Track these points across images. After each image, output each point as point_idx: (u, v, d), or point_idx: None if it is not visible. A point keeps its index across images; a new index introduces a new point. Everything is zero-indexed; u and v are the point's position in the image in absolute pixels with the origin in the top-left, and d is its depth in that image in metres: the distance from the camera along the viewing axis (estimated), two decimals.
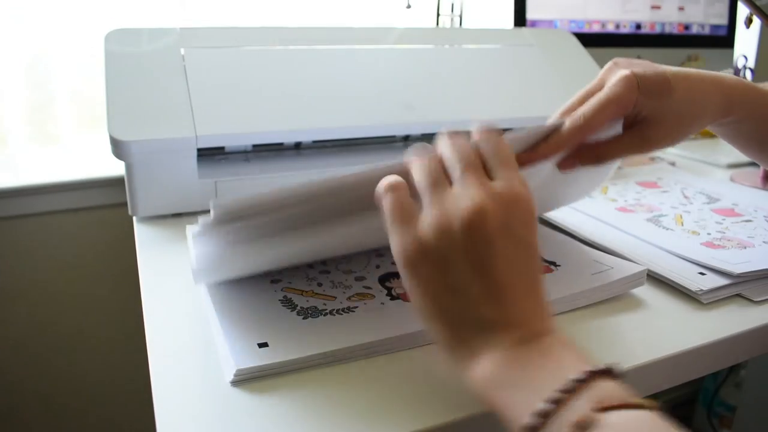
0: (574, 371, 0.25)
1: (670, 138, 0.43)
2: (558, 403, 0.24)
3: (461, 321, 0.29)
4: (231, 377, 0.33)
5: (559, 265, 0.46)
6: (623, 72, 0.41)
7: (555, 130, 0.40)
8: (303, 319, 0.38)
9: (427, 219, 0.30)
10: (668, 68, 0.43)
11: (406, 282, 0.30)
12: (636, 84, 0.41)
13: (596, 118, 0.40)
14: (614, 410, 0.24)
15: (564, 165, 0.42)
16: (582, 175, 0.45)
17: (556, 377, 0.26)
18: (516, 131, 0.38)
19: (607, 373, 0.26)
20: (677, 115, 0.42)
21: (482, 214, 0.28)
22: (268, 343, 0.35)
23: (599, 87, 0.42)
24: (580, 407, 0.24)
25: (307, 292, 0.41)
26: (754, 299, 0.44)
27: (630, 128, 0.42)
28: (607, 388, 0.25)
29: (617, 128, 0.43)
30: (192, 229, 0.34)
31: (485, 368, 0.27)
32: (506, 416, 0.26)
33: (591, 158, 0.42)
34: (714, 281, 0.44)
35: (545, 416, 0.24)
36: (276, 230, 0.34)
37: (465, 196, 0.29)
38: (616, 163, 0.46)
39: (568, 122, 0.40)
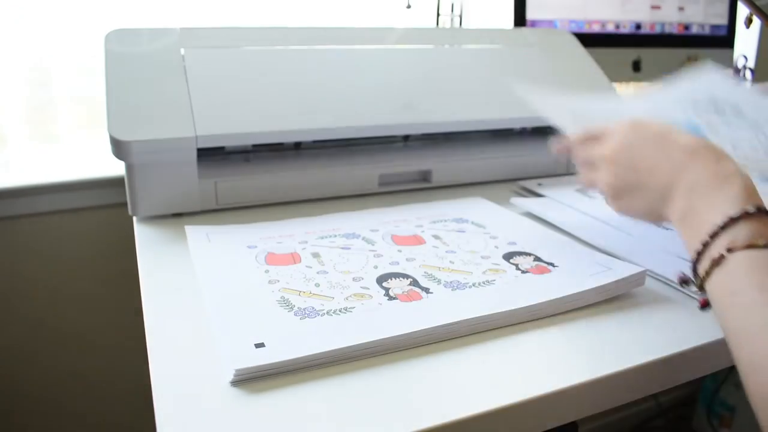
0: (734, 208, 0.34)
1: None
2: (714, 236, 0.34)
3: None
4: (229, 378, 0.33)
5: (557, 266, 0.46)
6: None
7: None
8: (300, 319, 0.38)
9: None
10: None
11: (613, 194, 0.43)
12: None
13: None
14: (743, 250, 0.32)
15: (559, 148, 0.52)
16: None
17: (721, 210, 0.34)
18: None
19: (754, 214, 0.33)
20: None
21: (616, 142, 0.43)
22: (265, 344, 0.35)
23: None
24: (720, 245, 0.33)
25: (304, 292, 0.41)
26: None
27: None
28: (745, 229, 0.33)
29: None
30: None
31: (677, 207, 0.38)
32: (688, 242, 0.36)
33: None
34: None
35: (705, 246, 0.34)
36: None
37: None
38: None
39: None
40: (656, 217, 0.41)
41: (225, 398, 0.32)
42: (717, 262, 0.33)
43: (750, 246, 0.32)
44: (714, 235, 0.34)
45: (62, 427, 0.95)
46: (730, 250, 0.32)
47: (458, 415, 0.31)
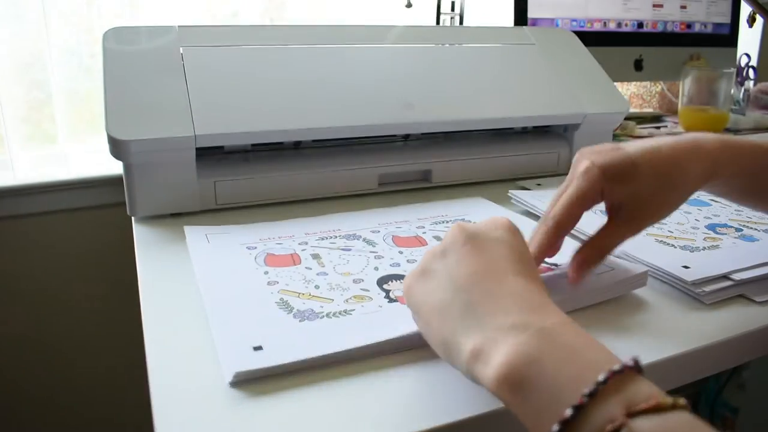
0: (596, 368, 0.24)
1: (658, 213, 0.42)
2: (585, 407, 0.23)
3: (451, 313, 0.30)
4: (228, 379, 0.32)
5: (560, 266, 0.45)
6: (585, 164, 0.41)
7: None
8: (299, 321, 0.37)
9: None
10: (635, 148, 0.42)
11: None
12: (598, 174, 0.40)
13: (565, 218, 0.40)
14: (646, 414, 0.22)
15: (575, 277, 0.41)
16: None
17: (579, 375, 0.24)
18: None
19: (632, 369, 0.24)
20: (653, 191, 0.41)
21: (451, 237, 0.33)
22: (263, 347, 0.34)
23: (569, 183, 0.42)
24: (610, 413, 0.22)
25: (303, 294, 0.41)
26: (757, 300, 0.43)
27: (616, 213, 0.42)
28: (634, 387, 0.23)
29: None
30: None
31: (498, 365, 0.26)
32: (527, 422, 0.25)
33: (596, 257, 0.41)
34: (716, 284, 0.44)
35: (571, 423, 0.23)
36: None
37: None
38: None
39: (540, 226, 0.41)
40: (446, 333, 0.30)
41: (223, 400, 0.32)
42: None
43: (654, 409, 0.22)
44: (592, 395, 0.23)
45: (61, 427, 0.95)
46: (630, 415, 0.22)
47: (459, 416, 0.30)
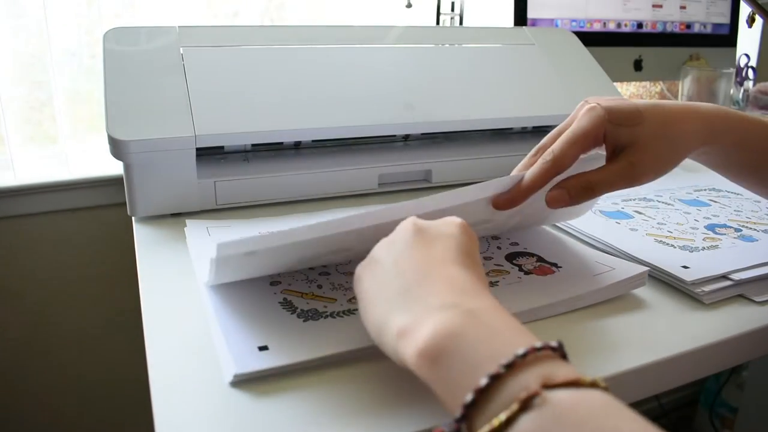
0: (517, 345, 0.24)
1: (656, 163, 0.42)
2: (500, 378, 0.23)
3: (385, 295, 0.30)
4: (229, 378, 0.32)
5: (561, 267, 0.45)
6: (589, 105, 0.42)
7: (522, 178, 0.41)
8: (303, 321, 0.37)
9: None
10: (640, 101, 0.43)
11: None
12: (602, 114, 0.41)
13: (565, 155, 0.40)
14: (562, 388, 0.22)
15: (553, 201, 0.40)
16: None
17: (499, 350, 0.24)
18: (490, 181, 0.39)
19: (554, 349, 0.24)
20: (656, 139, 0.41)
21: (402, 229, 0.33)
22: (269, 347, 0.34)
23: (570, 124, 0.43)
24: (525, 383, 0.22)
25: (306, 294, 0.41)
26: (756, 300, 0.43)
27: (615, 157, 0.42)
28: (554, 366, 0.24)
29: (599, 161, 0.43)
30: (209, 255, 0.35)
31: (419, 339, 0.26)
32: (441, 394, 0.25)
33: (580, 191, 0.40)
34: (715, 284, 0.44)
35: (486, 392, 0.23)
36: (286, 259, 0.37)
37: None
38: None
39: (538, 162, 0.41)
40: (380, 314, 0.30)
41: (224, 399, 0.32)
42: (526, 403, 0.22)
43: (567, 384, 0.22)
44: (509, 366, 0.23)
45: (61, 427, 0.95)
46: (546, 386, 0.22)
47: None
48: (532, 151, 0.44)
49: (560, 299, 0.41)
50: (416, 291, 0.29)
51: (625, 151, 0.41)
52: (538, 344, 0.24)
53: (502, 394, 0.23)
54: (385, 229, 0.35)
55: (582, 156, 0.42)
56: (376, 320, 0.30)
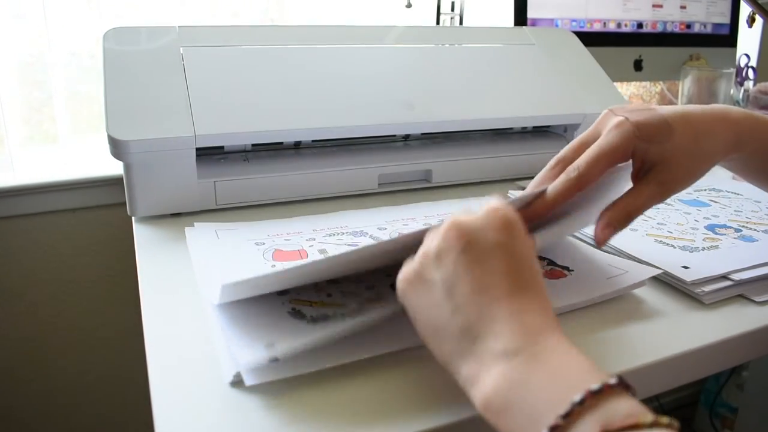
0: (577, 389, 0.23)
1: (686, 178, 0.41)
2: (559, 429, 0.23)
3: (449, 332, 0.29)
4: (231, 379, 0.32)
5: (572, 270, 0.45)
6: (618, 119, 0.40)
7: (543, 192, 0.40)
8: (312, 324, 0.37)
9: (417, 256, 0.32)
10: (667, 110, 0.42)
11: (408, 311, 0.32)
12: (632, 130, 0.39)
13: (591, 171, 0.39)
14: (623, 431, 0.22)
15: (601, 238, 0.40)
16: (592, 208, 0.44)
17: (559, 398, 0.24)
18: (510, 200, 0.38)
19: (614, 387, 0.24)
20: (685, 155, 0.40)
21: (446, 240, 0.31)
22: (274, 344, 0.33)
23: (595, 136, 0.41)
24: (585, 431, 0.22)
25: (316, 303, 0.40)
26: (756, 300, 0.43)
27: (645, 177, 0.41)
28: (614, 406, 0.23)
29: (626, 179, 0.42)
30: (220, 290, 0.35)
31: (485, 390, 0.26)
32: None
33: (623, 222, 0.40)
34: (715, 284, 0.44)
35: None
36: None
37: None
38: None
39: (563, 177, 0.39)
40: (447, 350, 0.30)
41: (224, 399, 0.32)
42: None
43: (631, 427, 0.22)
44: (567, 415, 0.23)
45: (61, 427, 0.95)
46: None
47: (465, 414, 0.30)
48: (551, 163, 0.42)
49: (573, 303, 0.40)
50: (476, 331, 0.28)
51: (655, 169, 0.40)
52: (595, 387, 0.24)
53: None
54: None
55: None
56: (442, 359, 0.30)
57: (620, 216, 0.40)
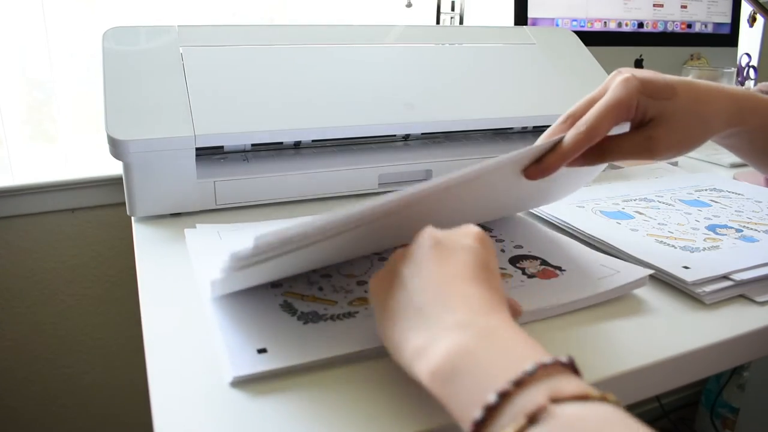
0: (529, 361, 0.24)
1: (682, 141, 0.42)
2: (509, 395, 0.23)
3: (403, 314, 0.30)
4: (228, 379, 0.32)
5: (564, 270, 0.45)
6: (625, 75, 0.41)
7: (558, 142, 0.40)
8: (303, 324, 0.37)
9: None
10: (673, 77, 0.43)
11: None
12: (637, 85, 0.41)
13: (600, 125, 0.40)
14: (571, 402, 0.22)
15: (558, 158, 0.41)
16: (572, 172, 0.45)
17: (511, 367, 0.24)
18: (521, 150, 0.39)
19: (566, 365, 0.24)
20: (684, 115, 0.41)
21: (419, 241, 0.33)
22: (267, 349, 0.34)
23: (603, 94, 0.42)
24: (533, 398, 0.22)
25: (307, 296, 0.41)
26: (757, 300, 0.43)
27: (638, 128, 0.42)
28: (564, 380, 0.23)
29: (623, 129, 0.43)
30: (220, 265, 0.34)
31: (434, 358, 0.26)
32: (454, 411, 0.25)
33: (595, 155, 0.41)
34: (716, 284, 0.44)
35: (495, 409, 0.23)
36: (300, 259, 0.36)
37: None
38: (604, 164, 0.46)
39: (572, 131, 0.40)
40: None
41: (223, 399, 0.32)
42: (533, 417, 0.22)
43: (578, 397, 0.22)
44: (519, 383, 0.23)
45: (61, 427, 0.95)
46: (554, 401, 0.22)
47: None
48: (561, 118, 0.44)
49: (565, 302, 0.40)
50: (432, 309, 0.29)
51: (649, 124, 0.41)
52: (547, 359, 0.24)
53: (510, 410, 0.23)
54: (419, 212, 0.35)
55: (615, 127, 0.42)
56: (394, 337, 0.30)
57: (596, 152, 0.41)
